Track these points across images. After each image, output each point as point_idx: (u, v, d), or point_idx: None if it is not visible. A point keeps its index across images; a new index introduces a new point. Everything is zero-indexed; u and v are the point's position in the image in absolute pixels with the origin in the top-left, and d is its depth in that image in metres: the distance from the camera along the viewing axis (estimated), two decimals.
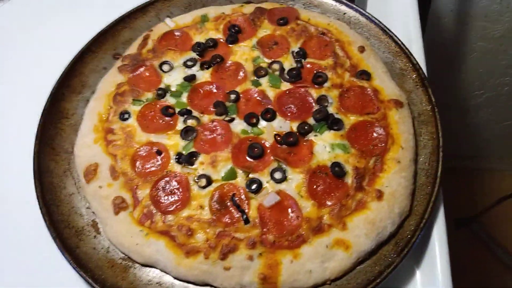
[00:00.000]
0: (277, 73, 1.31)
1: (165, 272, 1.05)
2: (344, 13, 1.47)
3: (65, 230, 1.10)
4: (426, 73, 1.32)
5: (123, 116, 1.24)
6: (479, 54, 2.33)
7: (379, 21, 1.42)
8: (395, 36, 1.38)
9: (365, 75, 1.29)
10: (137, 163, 1.16)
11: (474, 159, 3.05)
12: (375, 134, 1.19)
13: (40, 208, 1.11)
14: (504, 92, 2.55)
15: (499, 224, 2.84)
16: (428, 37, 1.54)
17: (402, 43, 1.36)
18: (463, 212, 2.72)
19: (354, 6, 1.46)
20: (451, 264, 1.09)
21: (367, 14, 1.44)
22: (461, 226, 2.72)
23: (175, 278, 1.04)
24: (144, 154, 1.17)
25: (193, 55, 1.36)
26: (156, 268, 1.06)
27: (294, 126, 1.21)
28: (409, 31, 1.48)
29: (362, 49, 1.34)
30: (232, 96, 1.27)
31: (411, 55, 1.34)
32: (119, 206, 1.09)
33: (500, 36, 2.22)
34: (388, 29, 1.40)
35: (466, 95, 2.60)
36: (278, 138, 1.18)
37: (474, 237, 2.81)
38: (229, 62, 1.34)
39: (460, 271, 1.16)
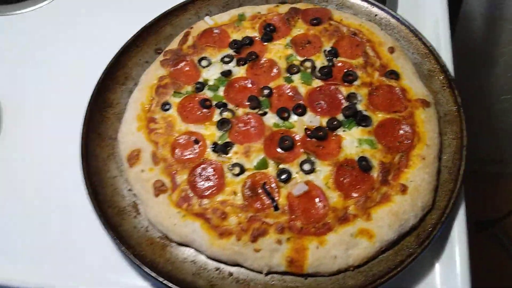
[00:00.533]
0: (309, 70, 1.37)
1: (199, 251, 1.13)
2: (376, 15, 1.52)
3: (109, 209, 1.19)
4: (453, 75, 1.36)
5: (165, 106, 1.32)
6: (509, 58, 2.32)
7: (409, 23, 1.46)
8: (424, 38, 1.42)
9: (394, 74, 1.34)
10: (176, 150, 1.24)
11: (499, 164, 3.02)
12: (401, 132, 1.24)
13: (87, 189, 1.19)
14: None
15: None
16: (458, 39, 1.57)
17: (431, 45, 1.40)
18: (484, 216, 2.71)
19: (385, 8, 1.51)
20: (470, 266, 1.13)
21: (397, 16, 1.48)
22: (482, 230, 2.71)
23: (208, 257, 1.12)
24: (183, 142, 1.25)
25: (230, 51, 1.44)
26: (191, 247, 1.14)
27: (324, 121, 1.27)
28: (438, 33, 1.51)
29: (392, 50, 1.39)
30: (266, 91, 1.33)
31: (439, 57, 1.37)
32: (159, 189, 1.18)
33: None
34: (418, 31, 1.44)
35: (494, 99, 2.59)
36: (308, 132, 1.25)
37: (494, 241, 2.80)
38: (264, 59, 1.41)
39: (478, 274, 1.18)
